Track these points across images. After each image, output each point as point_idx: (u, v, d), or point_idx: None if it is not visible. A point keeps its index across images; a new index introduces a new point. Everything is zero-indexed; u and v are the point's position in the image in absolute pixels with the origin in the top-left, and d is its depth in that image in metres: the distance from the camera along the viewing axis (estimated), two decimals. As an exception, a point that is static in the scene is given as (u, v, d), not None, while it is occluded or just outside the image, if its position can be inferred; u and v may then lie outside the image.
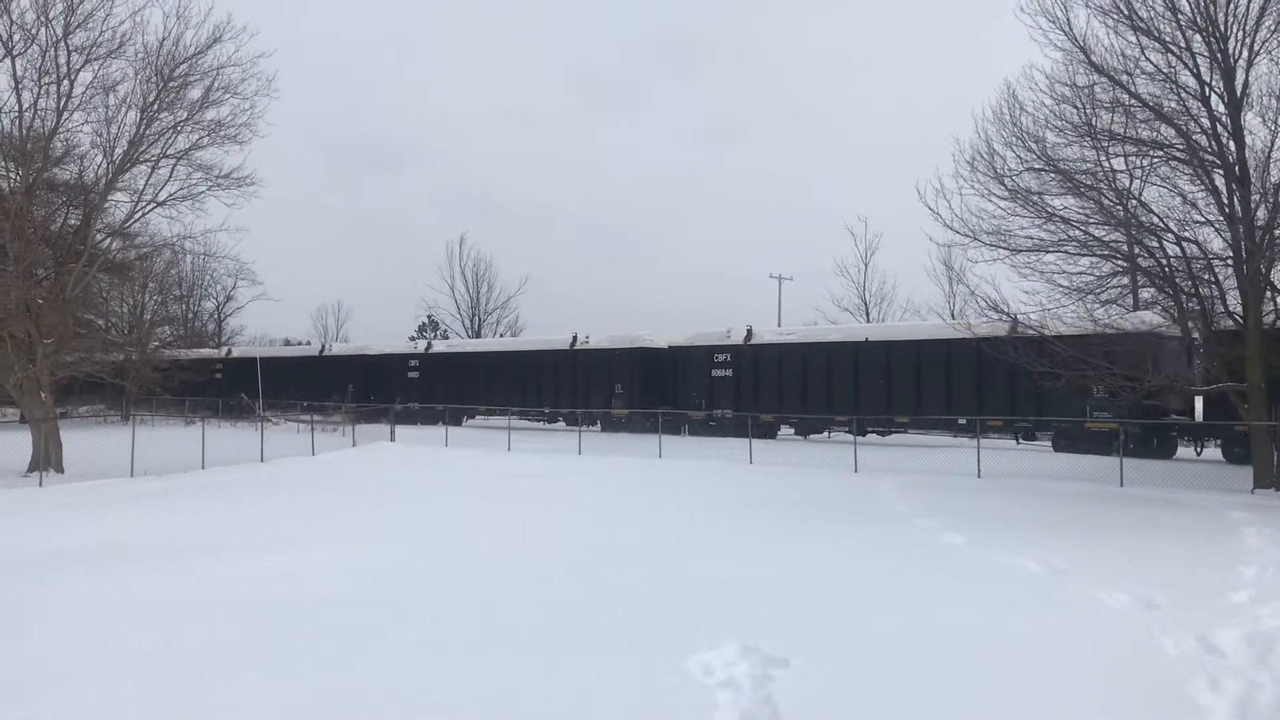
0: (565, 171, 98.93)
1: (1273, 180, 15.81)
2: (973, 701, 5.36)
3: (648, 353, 31.58)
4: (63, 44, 20.12)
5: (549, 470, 19.87)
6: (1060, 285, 17.71)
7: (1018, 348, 18.26)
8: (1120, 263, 17.88)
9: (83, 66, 20.54)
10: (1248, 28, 15.66)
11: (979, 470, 18.14)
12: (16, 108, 20.35)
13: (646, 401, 30.53)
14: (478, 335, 55.56)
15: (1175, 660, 6.16)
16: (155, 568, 9.57)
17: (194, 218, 23.27)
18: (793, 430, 28.63)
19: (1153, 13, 16.09)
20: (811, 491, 16.17)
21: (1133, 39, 16.35)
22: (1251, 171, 15.96)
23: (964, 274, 23.99)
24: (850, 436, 24.11)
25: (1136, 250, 17.34)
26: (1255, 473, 16.35)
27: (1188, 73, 16.15)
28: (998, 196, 17.58)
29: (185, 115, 21.63)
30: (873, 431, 26.43)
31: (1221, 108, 16.09)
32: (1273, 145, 15.72)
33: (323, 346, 47.38)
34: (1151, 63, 16.38)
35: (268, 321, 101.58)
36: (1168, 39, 16.08)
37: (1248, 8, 15.62)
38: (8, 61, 20.07)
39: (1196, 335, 17.88)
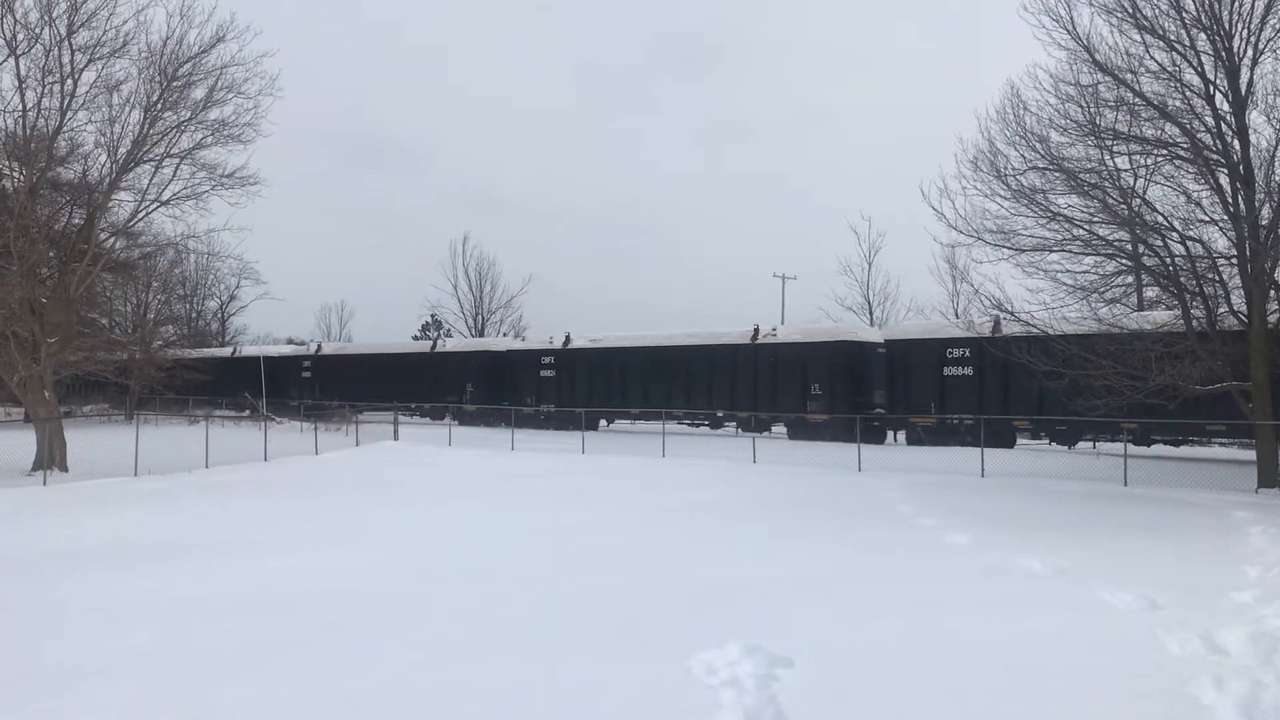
0: (570, 171, 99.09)
1: (1277, 179, 15.77)
2: (977, 701, 5.34)
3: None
4: (66, 43, 20.15)
5: (551, 470, 19.89)
6: (1065, 284, 17.71)
7: (1022, 347, 18.25)
8: (1124, 262, 17.86)
9: (86, 66, 20.59)
10: (1252, 26, 15.64)
11: (983, 470, 18.14)
12: (21, 107, 20.41)
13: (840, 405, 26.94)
14: (480, 335, 54.58)
15: (1179, 660, 6.14)
16: (158, 567, 9.57)
17: (197, 217, 23.27)
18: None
19: (1157, 11, 16.08)
20: (815, 491, 16.16)
21: (1137, 37, 16.34)
22: (1256, 170, 15.93)
23: (968, 273, 24.04)
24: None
25: (1141, 249, 17.31)
26: (1259, 472, 16.31)
27: (1192, 71, 16.12)
28: (1001, 196, 17.59)
29: (189, 114, 21.68)
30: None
31: (1226, 106, 16.06)
32: (1277, 144, 15.71)
33: (434, 342, 42.44)
34: (1156, 61, 16.37)
35: (271, 321, 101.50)
36: (1172, 37, 16.05)
37: (1252, 6, 15.60)
38: (12, 61, 20.13)
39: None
